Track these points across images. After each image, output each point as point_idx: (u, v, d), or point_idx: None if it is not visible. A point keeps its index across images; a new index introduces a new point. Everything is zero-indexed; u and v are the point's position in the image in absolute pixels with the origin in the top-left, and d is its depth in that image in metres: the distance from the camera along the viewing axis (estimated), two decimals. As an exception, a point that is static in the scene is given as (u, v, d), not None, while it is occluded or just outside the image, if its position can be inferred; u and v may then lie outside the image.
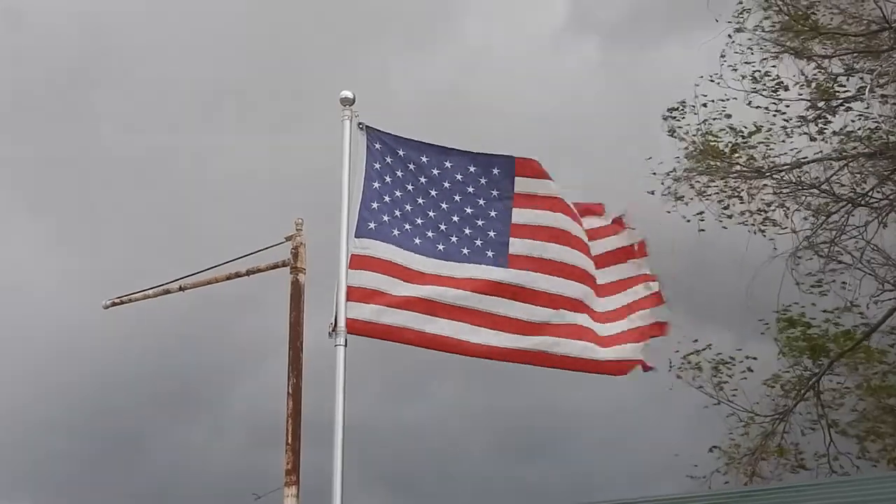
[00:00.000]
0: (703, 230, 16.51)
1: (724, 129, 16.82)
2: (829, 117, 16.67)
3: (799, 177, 16.51)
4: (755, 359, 16.68)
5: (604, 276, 8.81)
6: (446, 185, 8.53)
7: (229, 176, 26.03)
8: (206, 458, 22.20)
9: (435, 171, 8.53)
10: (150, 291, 9.95)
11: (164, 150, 26.62)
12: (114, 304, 10.02)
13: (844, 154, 16.50)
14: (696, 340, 16.48)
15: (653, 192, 16.53)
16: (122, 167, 27.20)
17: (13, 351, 23.18)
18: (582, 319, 8.49)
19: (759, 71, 16.83)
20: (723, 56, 16.77)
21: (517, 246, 8.49)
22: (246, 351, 20.40)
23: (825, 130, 16.60)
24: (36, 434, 23.73)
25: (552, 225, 8.64)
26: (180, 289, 9.86)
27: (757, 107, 16.82)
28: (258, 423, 17.66)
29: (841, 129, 16.55)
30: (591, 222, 8.98)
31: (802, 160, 16.57)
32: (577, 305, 8.50)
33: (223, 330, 20.63)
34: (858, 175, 16.49)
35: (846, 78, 16.71)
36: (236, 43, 27.32)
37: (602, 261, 8.87)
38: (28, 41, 28.30)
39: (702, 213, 16.62)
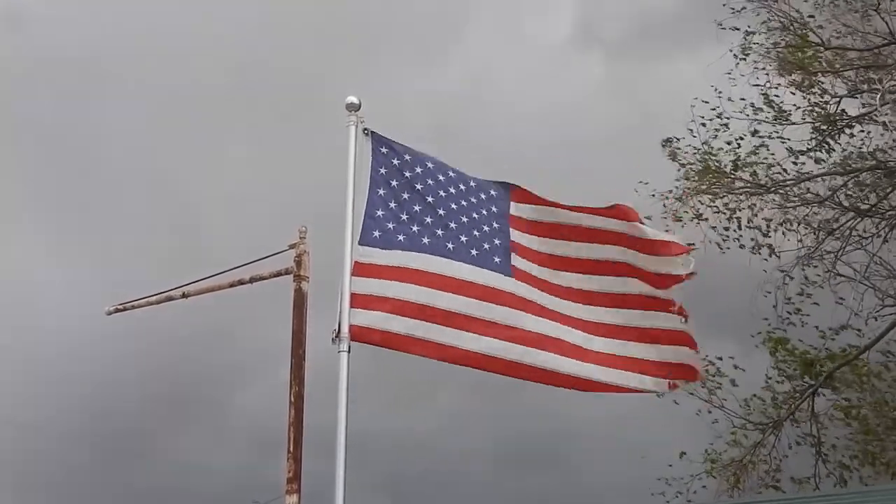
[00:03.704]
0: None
1: (722, 149, 16.75)
2: (832, 142, 16.64)
3: (803, 191, 16.47)
4: (743, 370, 16.59)
5: (615, 286, 8.74)
6: (452, 190, 8.60)
7: (234, 183, 26.05)
8: (208, 466, 22.16)
9: (441, 177, 8.59)
10: (153, 298, 9.95)
11: (169, 157, 26.66)
12: (116, 311, 10.01)
13: (849, 169, 16.46)
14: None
15: (650, 217, 16.39)
16: (126, 174, 27.24)
17: (14, 356, 23.17)
18: (576, 337, 8.50)
19: (763, 94, 16.77)
20: (729, 73, 16.74)
21: (519, 262, 8.54)
22: (249, 359, 20.40)
23: (831, 153, 16.58)
24: (36, 440, 23.73)
25: (544, 251, 8.70)
26: (183, 296, 9.85)
27: (759, 135, 16.80)
28: (260, 430, 17.62)
29: (844, 151, 16.53)
30: (639, 231, 8.88)
31: (806, 175, 16.54)
32: (573, 322, 8.52)
33: (226, 337, 20.61)
34: (862, 189, 16.45)
35: (852, 97, 16.69)
36: (242, 51, 27.35)
37: (626, 270, 8.80)
38: (31, 46, 28.34)
39: (693, 244, 16.44)
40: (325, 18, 26.99)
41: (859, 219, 16.28)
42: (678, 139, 16.90)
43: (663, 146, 16.98)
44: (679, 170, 16.79)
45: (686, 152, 16.86)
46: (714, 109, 16.71)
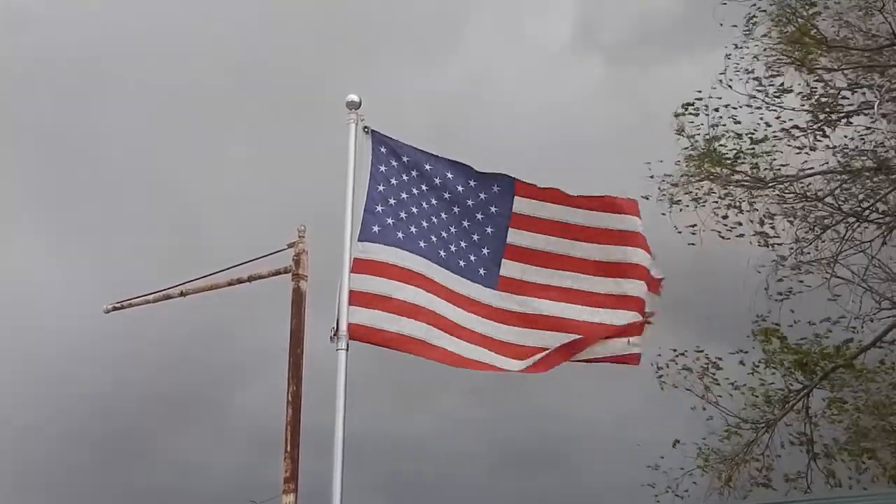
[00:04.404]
0: (692, 244, 16.33)
1: (729, 135, 16.75)
2: (828, 130, 16.61)
3: (803, 189, 16.45)
4: (717, 380, 16.55)
5: (606, 286, 8.71)
6: (447, 195, 8.60)
7: (234, 183, 26.04)
8: (208, 466, 22.15)
9: (437, 181, 8.58)
10: (151, 296, 9.94)
11: (169, 157, 26.66)
12: (115, 309, 10.00)
13: (849, 168, 16.43)
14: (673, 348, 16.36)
15: (647, 197, 16.34)
16: (126, 173, 27.23)
17: (14, 356, 23.16)
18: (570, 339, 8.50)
19: (763, 78, 16.79)
20: (727, 62, 16.73)
21: (509, 268, 8.55)
22: (248, 358, 20.38)
23: (823, 140, 16.56)
24: (36, 440, 23.71)
25: (546, 249, 8.66)
26: (181, 294, 9.84)
27: (759, 110, 16.81)
28: (260, 430, 17.61)
29: (842, 143, 16.50)
30: (619, 223, 8.84)
31: (805, 171, 16.51)
32: (567, 325, 8.51)
33: (225, 337, 20.60)
34: (862, 189, 16.42)
35: (850, 92, 16.66)
36: (242, 51, 27.35)
37: (614, 270, 8.75)
38: (31, 46, 28.32)
39: (694, 225, 16.47)
40: (325, 18, 27.00)
41: (857, 222, 16.26)
42: (695, 102, 16.83)
43: (676, 115, 16.93)
44: (684, 149, 16.75)
45: (696, 127, 16.86)
46: (718, 99, 16.76)
